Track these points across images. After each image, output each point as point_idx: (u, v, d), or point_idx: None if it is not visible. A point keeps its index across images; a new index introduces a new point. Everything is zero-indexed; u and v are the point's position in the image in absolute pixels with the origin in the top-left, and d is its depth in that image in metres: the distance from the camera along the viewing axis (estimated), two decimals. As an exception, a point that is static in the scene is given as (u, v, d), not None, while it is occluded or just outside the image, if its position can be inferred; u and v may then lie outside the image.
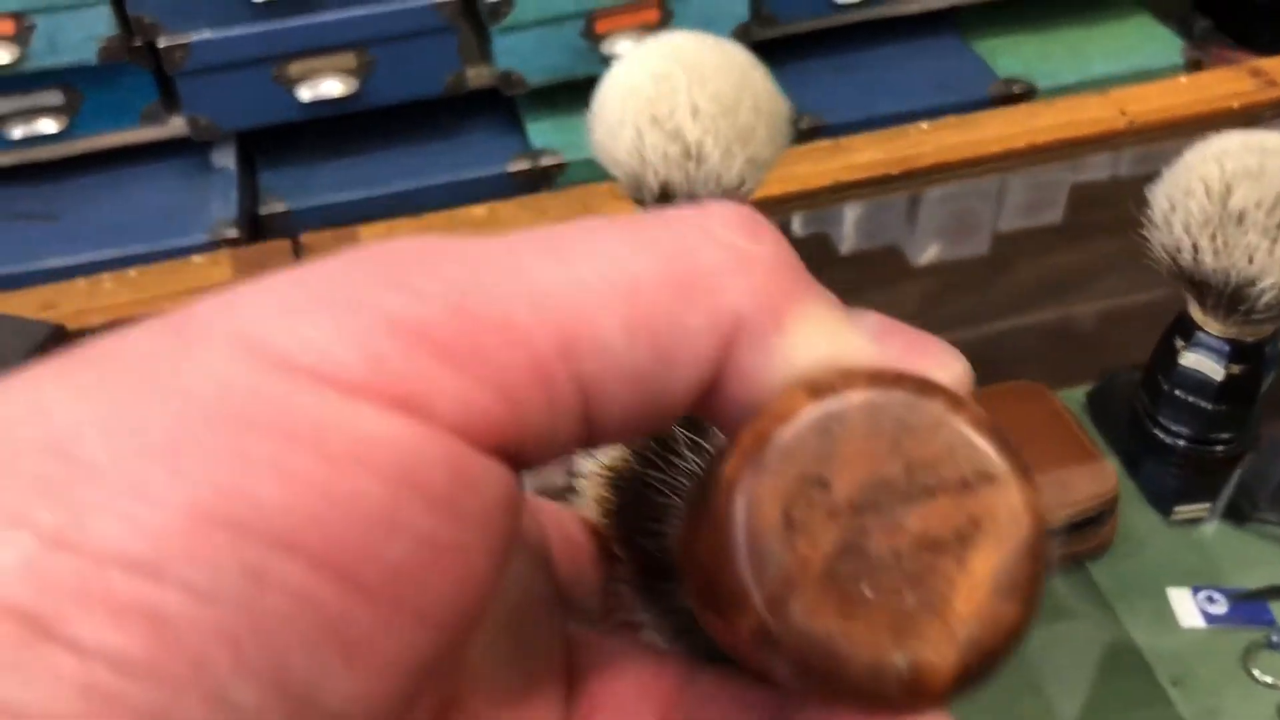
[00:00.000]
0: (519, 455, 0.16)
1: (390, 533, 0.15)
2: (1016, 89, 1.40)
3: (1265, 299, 0.48)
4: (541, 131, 1.38)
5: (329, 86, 1.30)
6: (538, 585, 0.21)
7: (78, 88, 1.27)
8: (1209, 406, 0.54)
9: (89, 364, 0.15)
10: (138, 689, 0.13)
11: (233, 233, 1.26)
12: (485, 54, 1.36)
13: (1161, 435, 0.56)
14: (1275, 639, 0.52)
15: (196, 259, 0.61)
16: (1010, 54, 1.45)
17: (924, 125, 0.69)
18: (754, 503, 0.16)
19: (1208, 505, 0.57)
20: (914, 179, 0.67)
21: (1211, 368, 0.53)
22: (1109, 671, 0.52)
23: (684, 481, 0.22)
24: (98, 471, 0.14)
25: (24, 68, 1.22)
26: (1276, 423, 0.59)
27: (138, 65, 1.27)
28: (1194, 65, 1.40)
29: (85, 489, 0.13)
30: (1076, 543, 0.54)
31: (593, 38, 1.32)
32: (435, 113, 1.39)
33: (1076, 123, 0.69)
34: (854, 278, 0.71)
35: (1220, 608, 0.54)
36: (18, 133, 1.28)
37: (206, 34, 1.25)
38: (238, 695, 0.14)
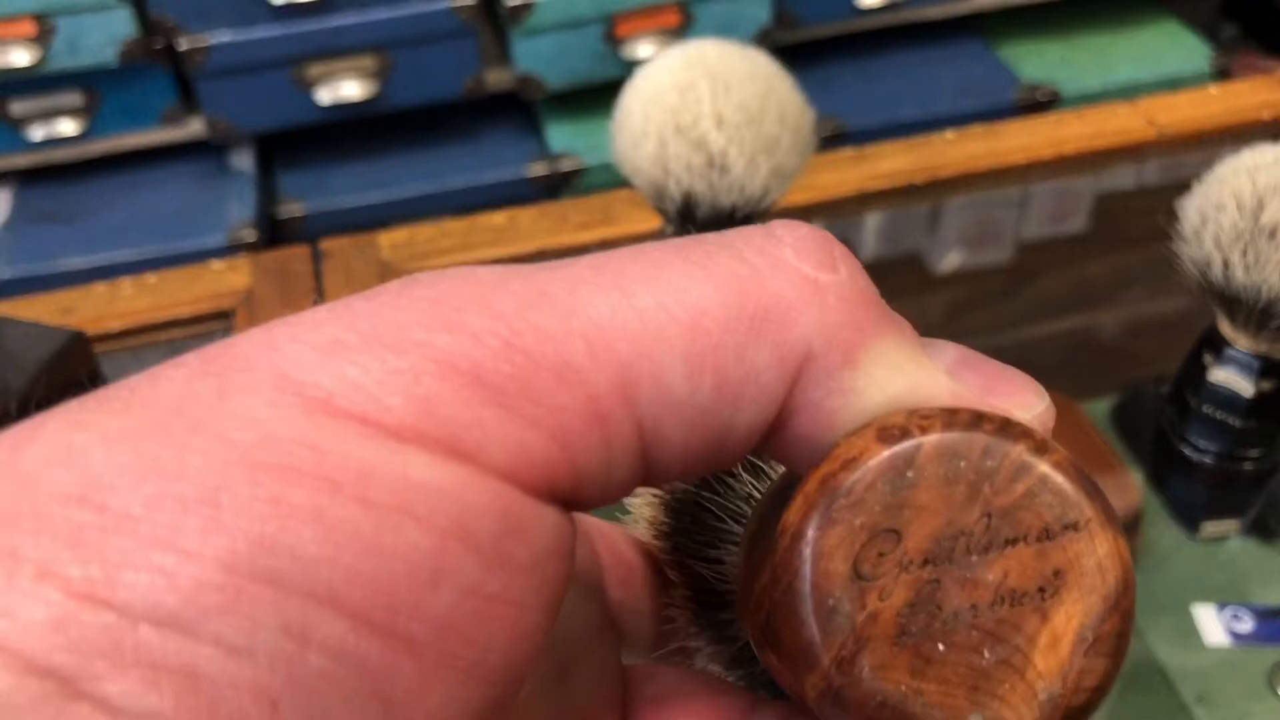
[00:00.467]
0: (573, 498, 0.16)
1: (437, 585, 0.14)
2: (1041, 95, 1.39)
3: (1297, 315, 0.47)
4: (561, 135, 1.38)
5: (348, 89, 1.30)
6: (589, 612, 0.21)
7: (98, 89, 1.28)
8: (1238, 423, 0.53)
9: (123, 406, 0.14)
10: None
11: (250, 235, 1.26)
12: (504, 57, 1.36)
13: (1189, 452, 0.55)
14: (1303, 658, 0.51)
15: (215, 264, 0.61)
16: (1035, 60, 1.44)
17: (948, 134, 0.68)
18: (821, 555, 0.16)
19: (1235, 521, 0.56)
20: (938, 189, 0.67)
21: (1241, 384, 0.52)
22: (1132, 689, 0.52)
23: (742, 506, 0.21)
24: (131, 521, 0.13)
25: (44, 69, 1.22)
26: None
27: (158, 67, 1.27)
28: (1221, 72, 1.39)
29: (117, 540, 0.13)
30: (1100, 558, 0.54)
31: (613, 41, 1.32)
32: (454, 116, 1.39)
33: (1104, 133, 0.69)
34: (876, 285, 0.70)
35: (1246, 625, 0.53)
36: (38, 134, 1.28)
37: (226, 36, 1.25)
38: None
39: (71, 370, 0.48)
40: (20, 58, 1.20)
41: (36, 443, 0.14)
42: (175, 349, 0.61)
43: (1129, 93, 0.72)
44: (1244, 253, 0.47)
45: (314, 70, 1.29)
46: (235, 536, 0.13)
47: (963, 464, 0.16)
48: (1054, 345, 0.67)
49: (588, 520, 0.22)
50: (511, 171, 1.34)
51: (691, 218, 0.49)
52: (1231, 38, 1.54)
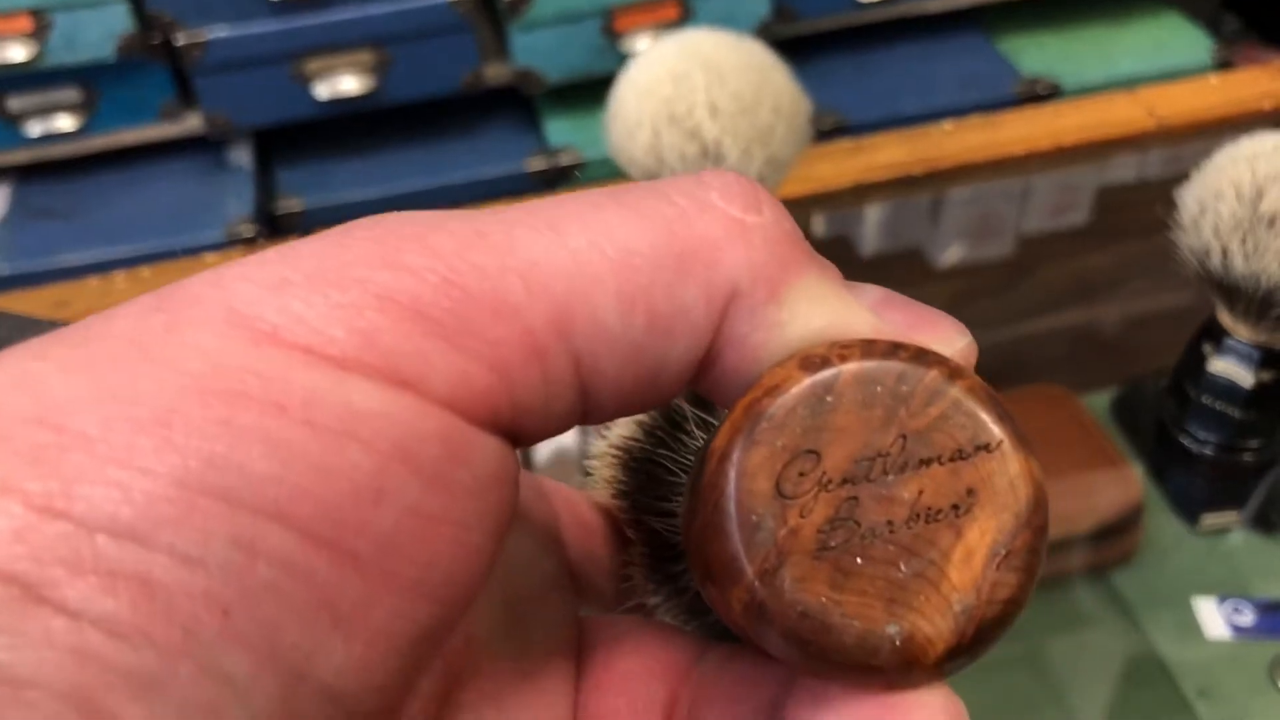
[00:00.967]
0: (514, 430, 0.16)
1: (379, 502, 0.15)
2: (1041, 88, 1.38)
3: (1297, 304, 0.47)
4: (560, 129, 1.37)
5: (346, 84, 1.30)
6: (547, 566, 0.21)
7: (95, 85, 1.27)
8: (1238, 414, 0.53)
9: (80, 339, 0.15)
10: (128, 652, 0.13)
11: (249, 231, 1.26)
12: (503, 51, 1.36)
13: (1188, 443, 0.55)
14: (1304, 651, 0.51)
15: (209, 257, 0.61)
16: (1035, 52, 1.44)
17: (946, 125, 0.68)
18: (744, 474, 0.17)
19: (1235, 513, 0.56)
20: (937, 180, 0.66)
21: (1240, 374, 0.52)
22: (1133, 682, 0.51)
23: (693, 460, 0.22)
24: (87, 441, 0.14)
25: (41, 64, 1.22)
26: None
27: (155, 62, 1.27)
28: (1223, 64, 1.39)
29: (75, 457, 0.14)
30: (1100, 551, 0.53)
31: (612, 35, 1.31)
32: (453, 110, 1.39)
33: (1104, 123, 0.68)
34: (875, 280, 0.70)
35: (1247, 618, 0.53)
36: (35, 130, 1.28)
37: (223, 31, 1.24)
38: (229, 664, 0.14)
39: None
40: (17, 53, 1.20)
41: None
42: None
43: (1130, 85, 0.72)
44: (1243, 241, 0.47)
45: (312, 65, 1.29)
46: (187, 455, 0.14)
47: (879, 389, 0.17)
48: (1055, 338, 0.67)
49: (549, 483, 0.23)
50: (511, 166, 1.34)
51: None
52: (1233, 30, 1.53)
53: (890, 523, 0.16)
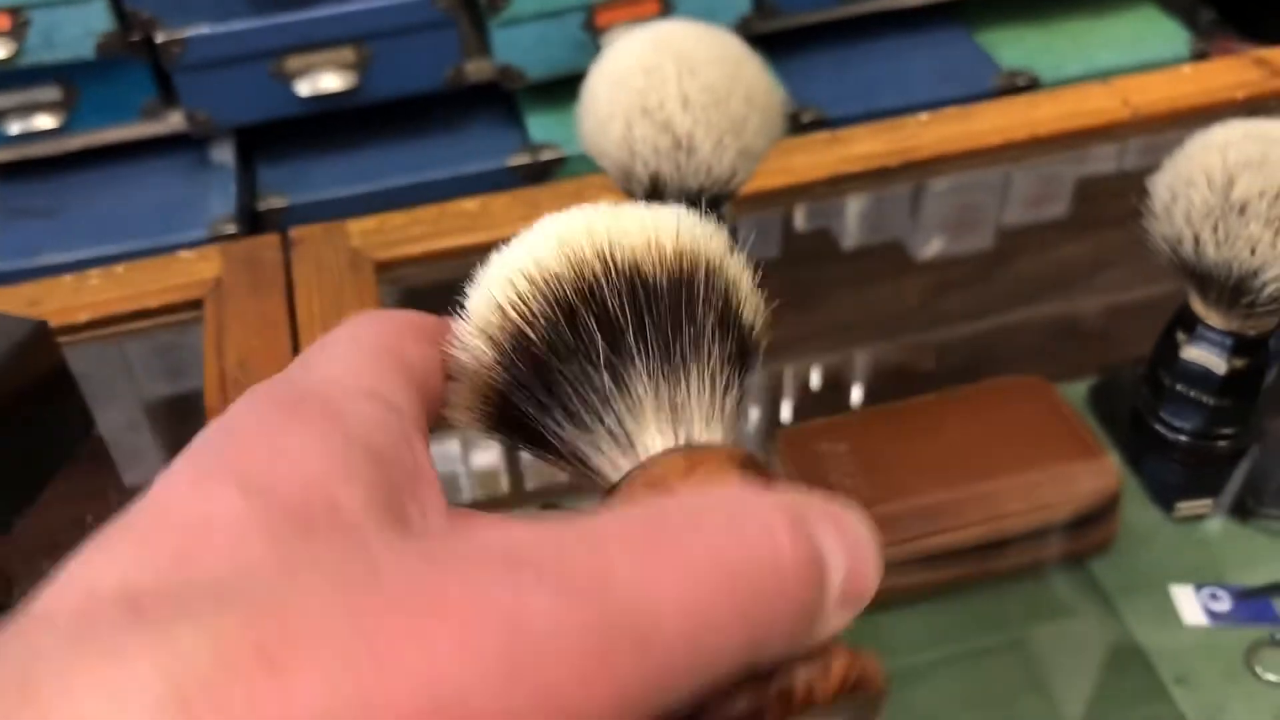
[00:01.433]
0: None
1: None
2: (1021, 81, 1.39)
3: (1268, 291, 0.47)
4: (542, 125, 1.37)
5: (327, 81, 1.30)
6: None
7: (75, 83, 1.27)
8: (1211, 401, 0.53)
9: None
10: None
11: (232, 229, 1.25)
12: (484, 48, 1.36)
13: (1163, 430, 0.55)
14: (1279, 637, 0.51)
15: (184, 254, 0.60)
16: (1014, 46, 1.44)
17: (923, 117, 0.68)
18: None
19: (1210, 501, 0.56)
20: (913, 171, 0.66)
21: (1214, 361, 0.52)
22: (1111, 670, 0.52)
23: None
24: None
25: (20, 63, 1.21)
26: (1280, 418, 0.58)
27: (136, 60, 1.27)
28: (1200, 57, 1.39)
29: None
30: (1078, 540, 0.54)
31: (593, 30, 1.31)
32: (435, 107, 1.39)
33: (1079, 113, 0.69)
34: (856, 272, 0.70)
35: (1224, 605, 0.53)
36: (15, 128, 1.27)
37: (203, 29, 1.24)
38: None
39: (36, 361, 0.48)
40: (-5, 51, 1.19)
41: None
42: (144, 340, 0.60)
43: (1108, 79, 0.72)
44: (1215, 229, 0.47)
45: (293, 63, 1.29)
46: None
47: None
48: (1032, 329, 0.67)
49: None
50: (493, 162, 1.34)
51: (661, 201, 0.49)
52: (1210, 23, 1.54)
53: None
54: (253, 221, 1.31)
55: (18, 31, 1.20)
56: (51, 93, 1.27)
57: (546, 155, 1.34)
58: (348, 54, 1.29)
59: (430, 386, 0.24)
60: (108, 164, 1.34)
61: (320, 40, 1.28)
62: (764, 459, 0.57)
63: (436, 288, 0.62)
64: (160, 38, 1.23)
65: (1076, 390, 0.61)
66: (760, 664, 0.19)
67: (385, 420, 0.21)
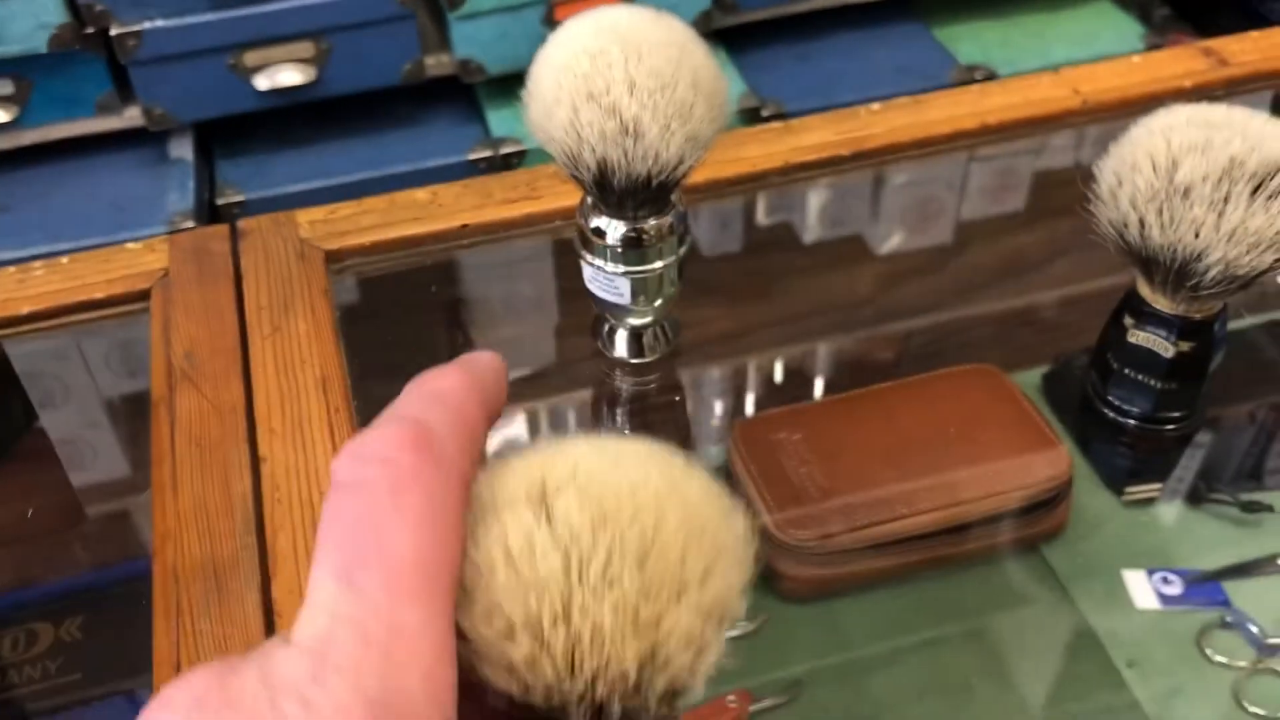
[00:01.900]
0: None
1: None
2: (978, 76, 1.40)
3: (1211, 274, 0.47)
4: (502, 119, 1.37)
5: (286, 75, 1.29)
6: None
7: (28, 77, 1.25)
8: (1158, 384, 0.53)
9: None
10: None
11: (190, 224, 1.24)
12: (444, 42, 1.35)
13: (1112, 414, 0.55)
14: (1230, 619, 0.51)
15: (131, 245, 0.60)
16: (972, 41, 1.46)
17: (875, 106, 0.68)
18: None
19: (1159, 485, 0.56)
20: (864, 160, 0.66)
21: (1161, 345, 0.52)
22: (1064, 654, 0.52)
23: None
24: None
25: (-29, 57, 1.20)
26: (1231, 404, 0.58)
27: (91, 54, 1.25)
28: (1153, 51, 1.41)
29: None
30: (1031, 526, 0.54)
31: (552, 24, 1.31)
32: (395, 101, 1.38)
33: (1029, 103, 0.69)
34: (814, 264, 0.70)
35: (1175, 589, 0.53)
36: (-34, 123, 1.26)
37: (159, 22, 1.23)
38: None
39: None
40: (-55, 45, 1.18)
41: None
42: (90, 333, 0.59)
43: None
44: (1160, 212, 0.47)
45: (251, 57, 1.28)
46: None
47: None
48: (986, 319, 0.67)
49: None
50: (454, 156, 1.34)
51: (608, 186, 0.48)
52: (1164, 18, 1.56)
53: None
54: (212, 217, 1.30)
55: (-32, 25, 1.18)
56: (3, 86, 1.25)
57: (507, 149, 1.34)
58: (307, 48, 1.29)
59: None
60: (64, 159, 1.32)
61: (279, 34, 1.27)
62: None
63: (387, 278, 0.62)
64: (115, 31, 1.22)
65: (1030, 378, 0.61)
66: None
67: None
